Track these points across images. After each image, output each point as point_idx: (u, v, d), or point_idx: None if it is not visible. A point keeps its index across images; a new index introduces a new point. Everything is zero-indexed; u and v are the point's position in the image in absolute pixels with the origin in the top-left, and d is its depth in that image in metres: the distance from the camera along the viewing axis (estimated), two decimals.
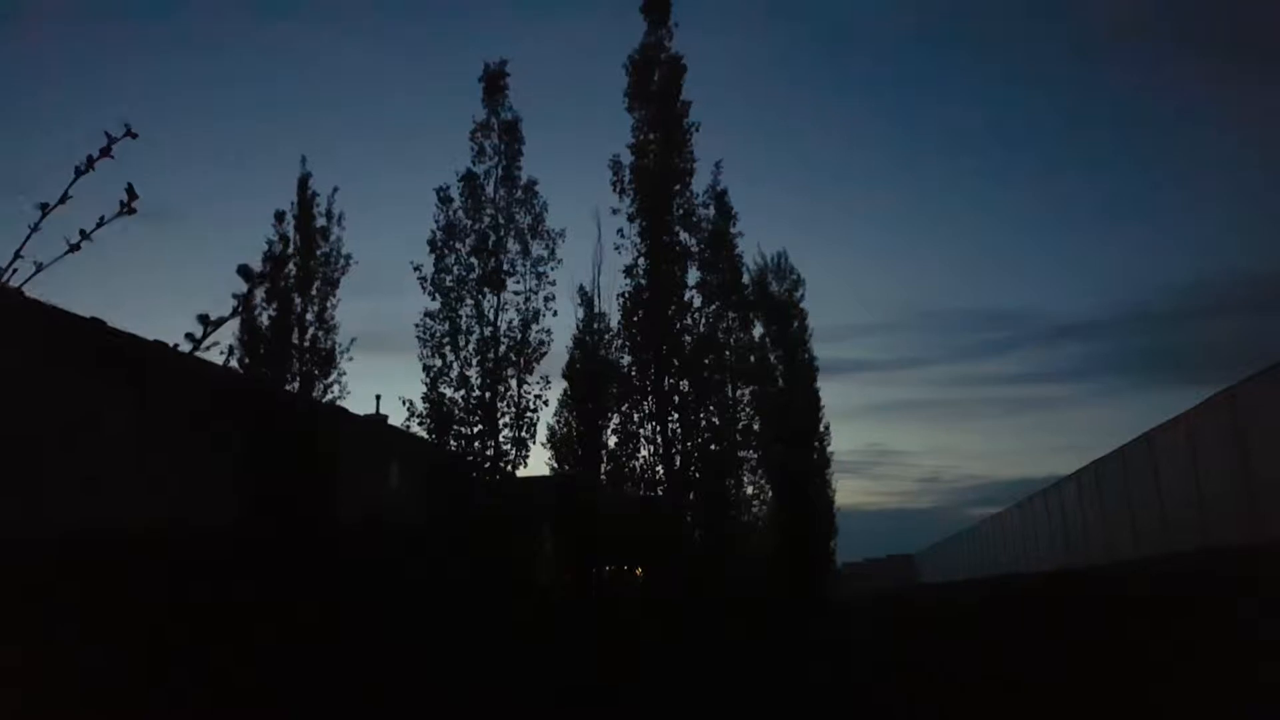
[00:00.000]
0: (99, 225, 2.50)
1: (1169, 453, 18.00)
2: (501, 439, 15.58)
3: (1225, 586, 10.06)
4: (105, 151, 2.57)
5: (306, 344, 18.37)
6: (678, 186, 17.58)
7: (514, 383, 15.79)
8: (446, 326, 15.69)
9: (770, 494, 25.67)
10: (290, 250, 17.98)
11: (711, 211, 18.78)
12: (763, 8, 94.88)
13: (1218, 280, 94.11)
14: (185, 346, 2.31)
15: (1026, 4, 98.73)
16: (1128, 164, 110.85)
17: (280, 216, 18.85)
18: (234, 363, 17.75)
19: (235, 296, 2.13)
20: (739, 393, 20.68)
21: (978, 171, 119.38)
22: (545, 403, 16.11)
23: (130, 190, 2.54)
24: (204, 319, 2.26)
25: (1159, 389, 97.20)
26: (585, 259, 19.49)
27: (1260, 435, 13.98)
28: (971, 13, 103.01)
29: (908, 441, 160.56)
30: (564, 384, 18.87)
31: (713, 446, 17.38)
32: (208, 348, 2.32)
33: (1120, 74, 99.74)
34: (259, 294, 18.33)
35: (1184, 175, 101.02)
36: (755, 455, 22.41)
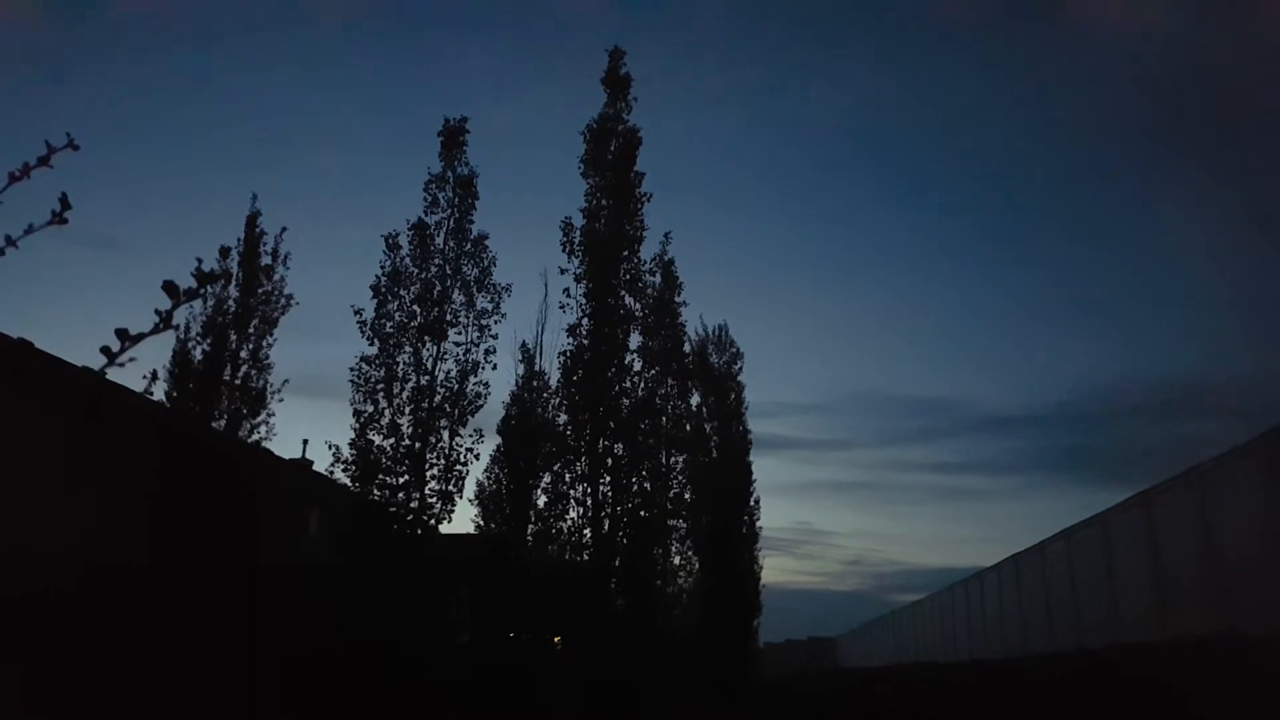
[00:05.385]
0: (27, 232, 2.45)
1: (1086, 550, 18.39)
2: (428, 491, 15.30)
3: (1129, 683, 10.27)
4: (44, 160, 2.52)
5: (238, 382, 18.01)
6: (626, 252, 17.81)
7: (446, 434, 15.58)
8: (382, 373, 15.50)
9: (697, 566, 25.52)
10: (219, 270, 17.69)
11: (658, 279, 19.04)
12: (722, 93, 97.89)
13: (1141, 383, 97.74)
14: (100, 361, 2.27)
15: (967, 122, 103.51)
16: (1059, 268, 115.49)
17: (225, 252, 18.65)
18: (158, 392, 17.30)
19: (157, 312, 2.11)
20: (673, 460, 20.71)
21: (917, 264, 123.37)
22: (476, 457, 15.92)
23: (64, 200, 2.48)
24: (121, 333, 2.21)
25: (1080, 486, 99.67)
26: (529, 316, 19.53)
27: (1171, 537, 14.41)
28: (910, 124, 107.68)
29: (835, 522, 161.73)
30: (497, 439, 18.74)
31: (643, 513, 17.29)
32: (123, 364, 2.27)
33: (1052, 182, 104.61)
34: (195, 328, 17.99)
35: (1113, 281, 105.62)
36: (685, 524, 22.34)
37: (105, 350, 2.25)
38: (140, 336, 2.28)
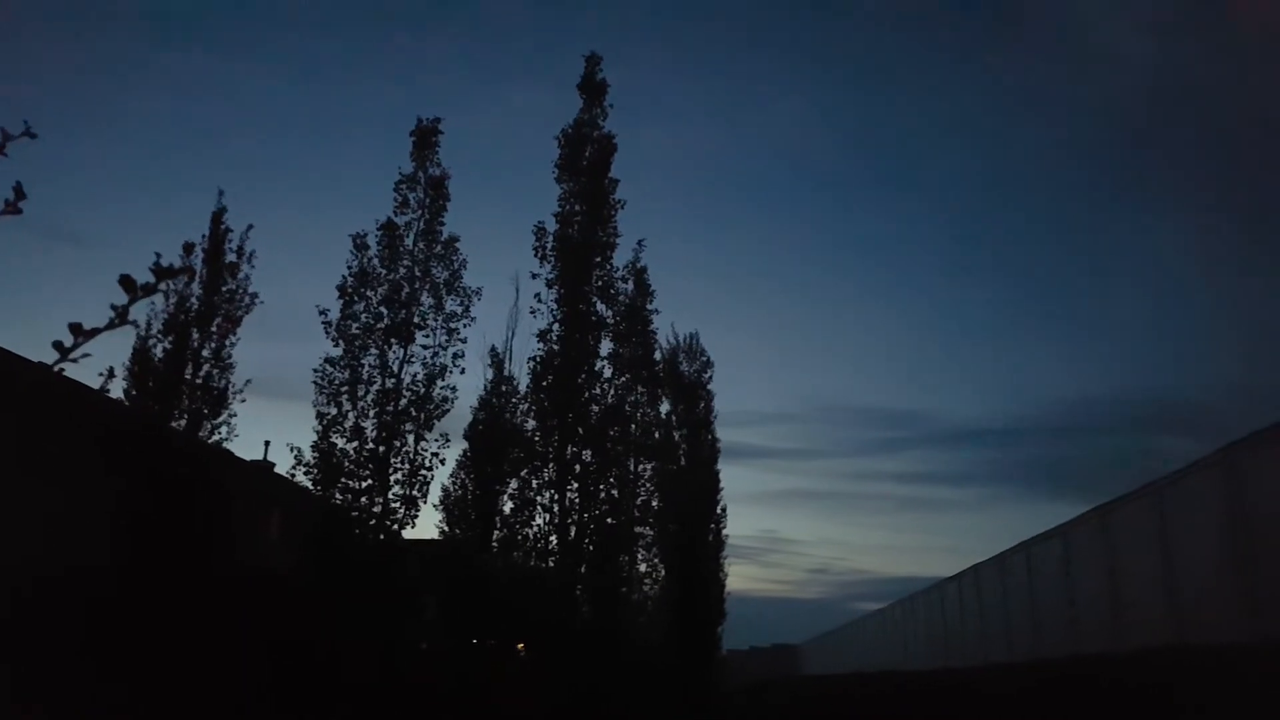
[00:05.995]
0: None
1: (1045, 563, 18.63)
2: (392, 495, 15.13)
3: (1088, 694, 10.39)
4: None
5: (199, 381, 17.71)
6: (599, 259, 17.76)
7: (411, 438, 15.42)
8: (347, 374, 15.32)
9: (663, 573, 25.51)
10: (181, 266, 17.41)
11: (630, 286, 19.02)
12: (698, 102, 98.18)
13: (1112, 398, 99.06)
14: (52, 356, 2.20)
15: (940, 135, 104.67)
16: (1032, 282, 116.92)
17: (189, 248, 18.34)
18: (115, 389, 16.98)
19: (113, 308, 2.06)
20: (641, 468, 20.70)
21: (885, 277, 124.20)
22: (442, 462, 15.77)
23: (18, 189, 2.41)
24: (75, 328, 2.14)
25: (1048, 499, 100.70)
26: (499, 321, 19.48)
27: (1128, 551, 14.64)
28: (884, 136, 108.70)
29: (801, 531, 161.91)
30: (464, 444, 18.60)
31: (610, 520, 17.23)
32: (76, 359, 2.20)
33: (1024, 199, 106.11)
34: (156, 325, 17.66)
35: (1085, 295, 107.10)
36: (651, 532, 22.34)
37: (58, 345, 2.18)
38: (95, 331, 2.21)
